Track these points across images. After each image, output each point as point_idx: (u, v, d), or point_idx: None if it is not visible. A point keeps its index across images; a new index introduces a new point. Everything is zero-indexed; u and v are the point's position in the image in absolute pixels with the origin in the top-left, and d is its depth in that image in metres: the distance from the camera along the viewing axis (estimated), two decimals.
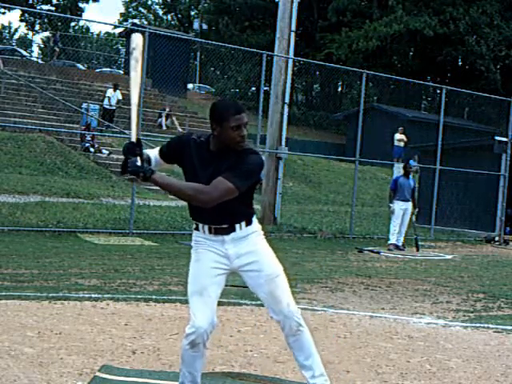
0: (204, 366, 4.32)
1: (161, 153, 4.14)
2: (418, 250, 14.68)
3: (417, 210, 15.46)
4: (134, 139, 3.88)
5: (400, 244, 14.85)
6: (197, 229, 4.17)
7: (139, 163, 3.82)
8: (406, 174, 14.94)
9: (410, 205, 14.82)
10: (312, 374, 4.22)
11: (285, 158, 16.76)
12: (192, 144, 4.07)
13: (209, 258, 4.11)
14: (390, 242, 14.75)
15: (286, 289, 4.17)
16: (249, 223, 4.15)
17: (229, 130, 3.94)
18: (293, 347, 4.23)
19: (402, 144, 30.24)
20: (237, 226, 4.10)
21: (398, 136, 30.50)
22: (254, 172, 4.03)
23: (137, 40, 4.08)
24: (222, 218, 4.06)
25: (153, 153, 4.14)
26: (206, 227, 4.11)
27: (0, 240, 11.26)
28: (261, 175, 4.22)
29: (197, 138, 4.09)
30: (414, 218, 15.28)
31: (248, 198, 4.13)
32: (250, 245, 4.14)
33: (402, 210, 14.69)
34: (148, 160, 4.01)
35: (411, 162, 28.32)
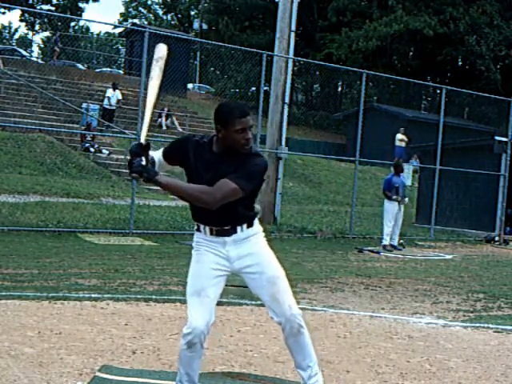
0: (201, 365, 4.33)
1: (164, 154, 4.14)
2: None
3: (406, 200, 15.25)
4: (142, 140, 3.86)
5: (395, 244, 14.81)
6: (198, 230, 4.18)
7: (144, 163, 3.80)
8: (397, 173, 14.86)
9: (404, 202, 14.80)
10: (309, 374, 4.25)
11: (285, 157, 16.77)
12: (195, 145, 4.06)
13: (209, 260, 4.12)
14: (383, 244, 14.67)
15: (287, 291, 4.18)
16: (250, 225, 4.15)
17: (233, 133, 3.93)
18: (292, 348, 4.24)
19: (403, 144, 30.24)
20: (238, 227, 4.11)
21: (399, 136, 30.51)
22: (259, 174, 4.04)
23: (163, 51, 4.14)
24: (224, 219, 4.06)
25: (157, 154, 4.12)
26: (208, 228, 4.12)
27: (0, 240, 11.26)
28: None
29: (199, 139, 4.08)
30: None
31: (250, 200, 4.14)
32: (251, 247, 4.15)
33: (397, 209, 14.64)
34: (152, 162, 3.99)
35: (412, 161, 28.41)
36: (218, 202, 3.90)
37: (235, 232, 4.10)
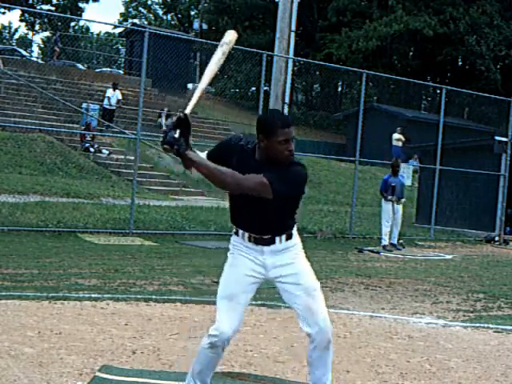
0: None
1: (208, 155, 4.07)
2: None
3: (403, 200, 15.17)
4: (185, 112, 3.83)
5: (395, 243, 14.79)
6: (236, 234, 4.14)
7: (176, 136, 3.77)
8: (394, 172, 14.81)
9: (401, 203, 14.77)
10: None
11: None
12: (239, 150, 4.02)
13: (244, 265, 4.07)
14: (383, 244, 14.64)
15: (322, 304, 4.12)
16: (289, 237, 4.11)
17: (276, 144, 3.88)
18: (315, 362, 4.14)
19: (400, 144, 30.24)
20: (277, 238, 4.06)
21: (396, 136, 30.50)
22: (295, 181, 3.95)
23: (231, 36, 4.09)
24: (264, 228, 4.03)
25: (202, 154, 4.07)
26: (246, 235, 4.08)
27: (0, 240, 11.26)
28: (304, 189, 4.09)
29: (245, 145, 4.03)
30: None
31: (292, 211, 4.09)
32: (289, 257, 4.10)
33: (394, 209, 14.61)
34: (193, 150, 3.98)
35: (411, 161, 28.40)
36: (242, 188, 3.84)
37: (273, 242, 4.06)
